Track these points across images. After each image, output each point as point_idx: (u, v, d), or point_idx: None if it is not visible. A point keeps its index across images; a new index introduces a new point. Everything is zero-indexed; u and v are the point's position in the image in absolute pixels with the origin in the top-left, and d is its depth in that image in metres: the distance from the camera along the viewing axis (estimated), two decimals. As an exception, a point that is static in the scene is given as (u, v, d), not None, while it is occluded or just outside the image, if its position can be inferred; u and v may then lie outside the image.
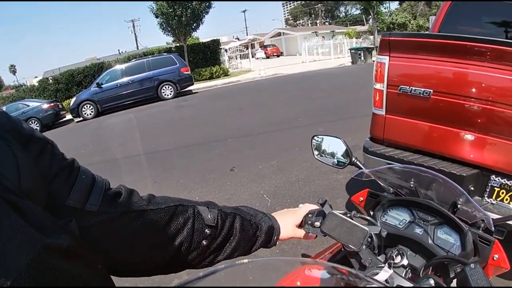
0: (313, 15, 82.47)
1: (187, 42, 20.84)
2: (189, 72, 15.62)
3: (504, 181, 2.18)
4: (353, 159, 1.07)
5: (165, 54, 17.04)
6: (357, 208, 1.05)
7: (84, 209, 0.56)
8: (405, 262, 0.82)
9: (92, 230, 0.56)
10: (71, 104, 14.92)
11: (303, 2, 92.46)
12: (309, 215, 0.87)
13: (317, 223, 0.83)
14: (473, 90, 2.22)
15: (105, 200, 0.60)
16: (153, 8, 19.81)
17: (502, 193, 2.20)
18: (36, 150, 0.52)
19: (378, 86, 2.63)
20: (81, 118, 14.56)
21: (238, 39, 57.77)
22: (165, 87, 15.01)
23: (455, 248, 0.84)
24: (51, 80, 20.70)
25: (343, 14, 77.42)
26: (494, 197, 2.21)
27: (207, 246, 0.72)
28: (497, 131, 2.20)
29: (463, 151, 2.35)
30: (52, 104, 14.57)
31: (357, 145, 4.94)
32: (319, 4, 77.04)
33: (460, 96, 2.27)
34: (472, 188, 2.29)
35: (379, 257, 0.79)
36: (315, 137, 1.22)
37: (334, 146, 1.15)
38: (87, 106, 14.59)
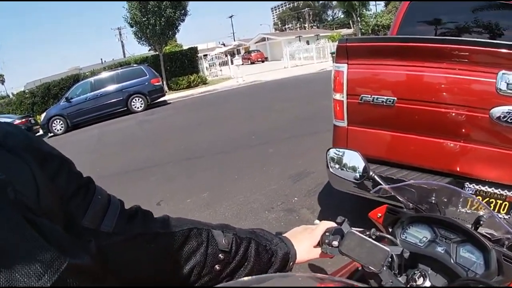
0: (301, 19, 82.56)
1: (164, 51, 20.35)
2: (160, 83, 15.09)
3: (479, 187, 2.12)
4: (371, 173, 1.05)
5: (135, 65, 16.49)
6: (376, 226, 0.98)
7: (99, 229, 0.56)
8: (427, 284, 0.76)
9: (105, 250, 0.54)
10: (42, 119, 14.47)
11: (291, 6, 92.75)
12: (327, 234, 0.83)
13: (335, 243, 0.78)
14: (439, 94, 2.14)
15: (119, 221, 0.60)
16: (127, 17, 19.28)
17: (476, 202, 1.92)
18: (53, 169, 0.52)
19: (337, 96, 2.47)
20: (52, 134, 14.04)
21: (224, 45, 57.07)
22: (135, 100, 14.46)
23: (477, 267, 0.78)
24: (27, 94, 20.04)
25: (331, 17, 77.47)
26: (468, 206, 1.97)
27: (220, 271, 0.71)
28: (467, 136, 2.12)
29: (434, 160, 2.28)
30: (23, 119, 14.01)
31: (306, 170, 4.49)
32: (307, 8, 77.07)
33: (426, 102, 2.18)
34: (436, 201, 2.01)
35: (400, 278, 0.75)
36: (334, 151, 1.20)
37: (354, 160, 1.13)
38: (57, 121, 14.09)
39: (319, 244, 0.84)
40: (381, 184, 1.00)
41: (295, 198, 3.76)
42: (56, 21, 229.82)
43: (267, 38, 44.19)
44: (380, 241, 0.77)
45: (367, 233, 0.78)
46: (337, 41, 2.52)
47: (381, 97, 2.28)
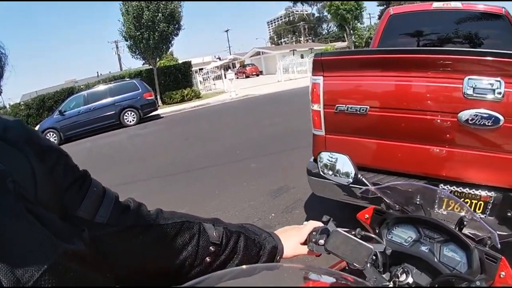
0: (296, 33, 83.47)
1: (159, 64, 20.46)
2: (152, 98, 15.13)
3: (454, 188, 2.20)
4: (359, 176, 1.08)
5: (127, 79, 16.57)
6: (362, 226, 1.00)
7: (94, 220, 0.58)
8: (410, 280, 0.80)
9: (99, 241, 0.56)
10: (36, 132, 14.41)
11: (286, 20, 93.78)
12: (313, 233, 0.86)
13: (321, 241, 0.82)
14: (409, 101, 2.23)
15: (114, 212, 0.62)
16: (122, 31, 19.47)
17: (452, 202, 2.00)
18: (51, 161, 0.54)
19: (315, 107, 2.61)
20: (46, 147, 13.99)
21: (220, 58, 57.56)
22: (128, 114, 14.45)
23: (461, 265, 0.82)
24: (22, 106, 20.07)
25: (326, 31, 78.36)
26: (444, 207, 2.08)
27: (210, 263, 0.73)
28: (438, 140, 2.21)
29: (408, 163, 2.36)
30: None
31: (286, 186, 4.52)
32: (302, 22, 78.00)
33: (396, 109, 2.28)
34: (421, 202, 2.15)
35: (383, 275, 0.78)
36: (326, 155, 1.20)
37: (344, 164, 1.15)
38: (50, 134, 13.95)
39: (306, 242, 0.87)
40: (367, 186, 1.05)
41: (272, 214, 3.80)
42: (54, 32, 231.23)
43: (262, 52, 44.56)
44: (366, 241, 0.79)
45: (353, 232, 0.82)
46: (313, 56, 2.65)
47: (355, 106, 2.40)
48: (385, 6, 28.21)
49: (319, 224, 0.89)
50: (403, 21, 4.60)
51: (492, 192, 2.12)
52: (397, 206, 1.03)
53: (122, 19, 18.96)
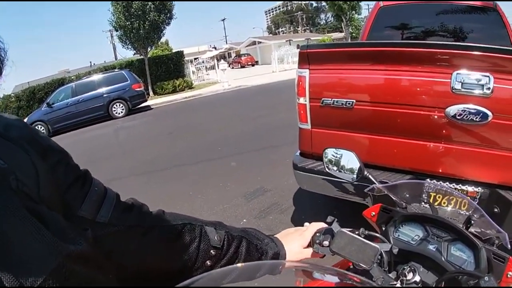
0: (294, 23, 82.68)
1: (152, 54, 20.03)
2: (141, 89, 14.76)
3: (440, 183, 2.02)
4: (365, 173, 1.07)
5: (116, 70, 16.12)
6: (366, 225, 0.94)
7: (95, 220, 0.58)
8: (417, 278, 0.77)
9: (101, 241, 0.56)
10: (25, 124, 14.19)
11: (284, 9, 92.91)
12: (317, 234, 0.84)
13: (326, 242, 0.80)
14: (396, 96, 2.21)
15: (115, 212, 0.62)
16: (112, 21, 19.02)
17: (439, 197, 1.93)
18: (53, 161, 0.55)
19: (301, 100, 2.56)
20: (35, 139, 13.78)
21: (215, 48, 56.65)
22: (116, 105, 14.14)
23: (468, 264, 0.80)
24: (13, 97, 19.70)
25: (324, 21, 77.62)
26: (431, 201, 1.99)
27: (211, 266, 0.72)
28: (425, 135, 2.20)
29: (394, 158, 2.34)
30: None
31: (263, 187, 4.25)
32: (299, 12, 77.23)
33: (383, 103, 2.25)
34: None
35: (390, 274, 0.77)
36: (332, 151, 1.19)
37: (350, 160, 1.12)
38: (38, 127, 13.53)
39: (310, 244, 0.85)
40: (374, 183, 1.03)
41: (244, 220, 3.54)
42: (50, 21, 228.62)
43: (258, 41, 44.02)
44: (371, 240, 0.78)
45: (357, 232, 0.79)
46: (299, 48, 2.59)
47: (341, 99, 2.36)
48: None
49: (322, 225, 0.88)
50: (393, 13, 4.51)
51: (479, 188, 2.11)
52: (404, 203, 1.03)
53: (112, 9, 18.52)
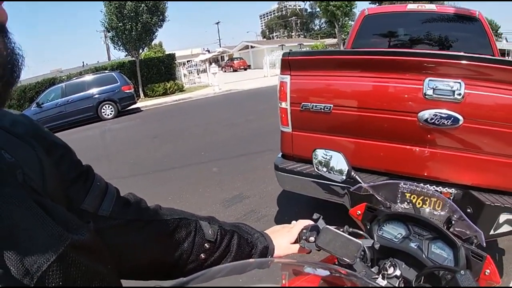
0: (288, 28, 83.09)
1: (144, 56, 19.96)
2: (131, 91, 14.70)
3: (415, 184, 2.08)
4: (352, 173, 1.10)
5: (106, 71, 16.06)
6: (349, 224, 0.96)
7: (97, 213, 0.60)
8: (398, 272, 0.82)
9: (102, 234, 0.55)
10: (14, 125, 14.01)
11: (279, 14, 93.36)
12: (304, 231, 0.88)
13: (312, 238, 0.85)
14: (372, 101, 2.30)
15: (116, 206, 0.64)
16: (105, 22, 18.96)
17: (414, 197, 2.02)
18: (57, 156, 0.57)
19: (283, 104, 2.67)
20: (24, 140, 13.62)
21: (209, 51, 56.66)
22: (105, 107, 14.03)
23: (448, 262, 0.84)
24: (3, 96, 19.56)
25: (318, 27, 78.09)
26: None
27: (204, 259, 0.76)
28: (398, 138, 2.29)
29: (371, 160, 2.44)
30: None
31: (241, 194, 4.29)
32: (294, 17, 77.65)
33: (360, 108, 2.36)
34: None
35: (372, 269, 0.82)
36: (321, 152, 1.22)
37: (339, 162, 1.16)
38: (26, 127, 13.60)
39: (297, 240, 0.89)
40: (360, 183, 1.07)
41: (219, 226, 3.60)
42: (44, 20, 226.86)
43: (251, 46, 44.09)
44: (355, 237, 0.82)
45: (341, 229, 0.85)
46: (282, 55, 2.69)
47: (319, 104, 2.48)
48: (377, 4, 28.17)
49: (308, 222, 0.92)
50: (378, 21, 4.65)
51: (453, 189, 2.19)
52: (388, 203, 1.07)
53: (105, 10, 18.47)
